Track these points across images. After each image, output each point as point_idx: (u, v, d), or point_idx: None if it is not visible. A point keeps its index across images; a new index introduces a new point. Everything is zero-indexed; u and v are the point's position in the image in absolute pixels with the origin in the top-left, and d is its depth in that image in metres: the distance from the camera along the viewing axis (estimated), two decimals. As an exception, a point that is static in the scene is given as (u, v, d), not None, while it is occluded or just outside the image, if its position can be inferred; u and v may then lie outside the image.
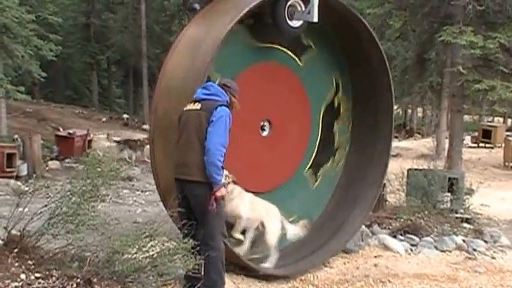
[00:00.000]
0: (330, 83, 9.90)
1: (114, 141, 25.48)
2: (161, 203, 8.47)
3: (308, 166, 9.74)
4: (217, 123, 6.79)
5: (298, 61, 9.31)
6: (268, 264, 8.41)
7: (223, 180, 7.00)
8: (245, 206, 8.06)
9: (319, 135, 9.84)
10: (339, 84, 9.99)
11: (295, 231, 8.83)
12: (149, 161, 9.54)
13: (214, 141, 6.72)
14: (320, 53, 9.62)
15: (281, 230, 8.55)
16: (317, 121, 9.77)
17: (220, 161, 6.75)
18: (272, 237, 8.40)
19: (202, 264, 6.88)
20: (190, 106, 7.08)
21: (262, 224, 8.33)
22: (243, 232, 8.18)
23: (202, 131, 6.82)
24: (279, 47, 9.08)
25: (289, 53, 9.19)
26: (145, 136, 26.89)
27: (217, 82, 7.41)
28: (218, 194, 6.85)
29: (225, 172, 7.23)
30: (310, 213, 9.72)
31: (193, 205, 7.02)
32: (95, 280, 6.02)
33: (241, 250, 8.12)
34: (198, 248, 6.79)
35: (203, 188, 6.86)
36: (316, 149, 9.81)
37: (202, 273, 6.97)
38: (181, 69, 8.09)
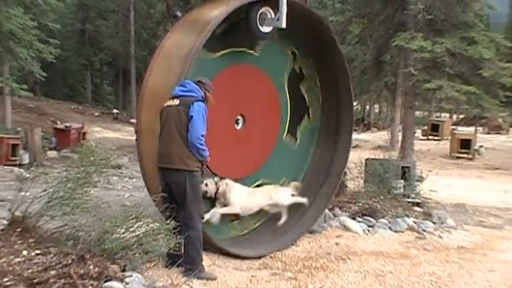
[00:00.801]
0: (286, 54, 9.68)
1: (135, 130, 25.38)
2: (146, 189, 8.41)
3: (285, 132, 9.63)
4: (196, 117, 6.94)
5: (254, 53, 9.16)
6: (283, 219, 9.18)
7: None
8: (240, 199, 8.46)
9: (289, 103, 9.66)
10: (295, 52, 9.77)
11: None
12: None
13: (196, 133, 6.94)
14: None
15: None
16: (284, 92, 9.59)
17: (202, 144, 7.00)
18: (285, 201, 9.13)
19: (183, 243, 6.96)
20: (170, 102, 7.16)
21: (274, 201, 9.02)
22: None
23: (182, 124, 6.98)
24: (236, 49, 8.85)
25: (245, 49, 8.99)
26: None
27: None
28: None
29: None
30: (299, 169, 9.95)
31: (174, 190, 7.11)
32: (88, 257, 6.07)
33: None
34: (179, 228, 6.86)
35: (183, 175, 7.02)
36: (289, 115, 9.67)
37: (183, 251, 7.03)
38: (163, 69, 7.97)
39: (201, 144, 6.98)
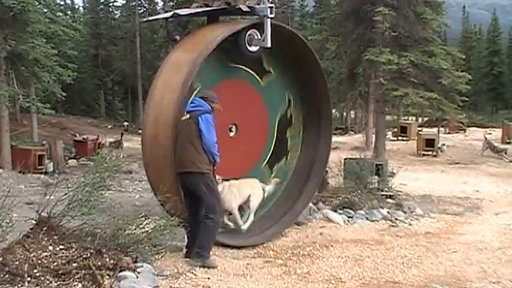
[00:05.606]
0: (284, 99, 9.66)
1: None
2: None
3: (265, 162, 9.49)
4: (206, 128, 7.11)
5: (261, 81, 9.18)
6: (245, 226, 8.43)
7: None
8: (235, 196, 8.20)
9: (275, 139, 9.55)
10: (291, 99, 9.72)
11: (271, 188, 9.04)
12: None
13: (209, 142, 7.13)
14: (276, 77, 9.45)
15: (263, 195, 8.76)
16: (273, 127, 9.51)
17: (216, 150, 7.22)
18: (255, 201, 8.59)
19: (199, 231, 7.16)
20: (184, 117, 7.31)
21: (249, 195, 8.53)
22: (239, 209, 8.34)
23: (192, 135, 7.13)
24: (245, 68, 8.91)
25: (254, 74, 9.02)
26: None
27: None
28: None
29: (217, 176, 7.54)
30: (266, 204, 9.45)
31: (192, 190, 7.24)
32: (104, 250, 6.16)
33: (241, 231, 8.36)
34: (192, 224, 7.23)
35: (196, 176, 7.16)
36: (272, 149, 9.54)
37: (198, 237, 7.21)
38: (165, 84, 7.96)
39: (215, 151, 7.17)
